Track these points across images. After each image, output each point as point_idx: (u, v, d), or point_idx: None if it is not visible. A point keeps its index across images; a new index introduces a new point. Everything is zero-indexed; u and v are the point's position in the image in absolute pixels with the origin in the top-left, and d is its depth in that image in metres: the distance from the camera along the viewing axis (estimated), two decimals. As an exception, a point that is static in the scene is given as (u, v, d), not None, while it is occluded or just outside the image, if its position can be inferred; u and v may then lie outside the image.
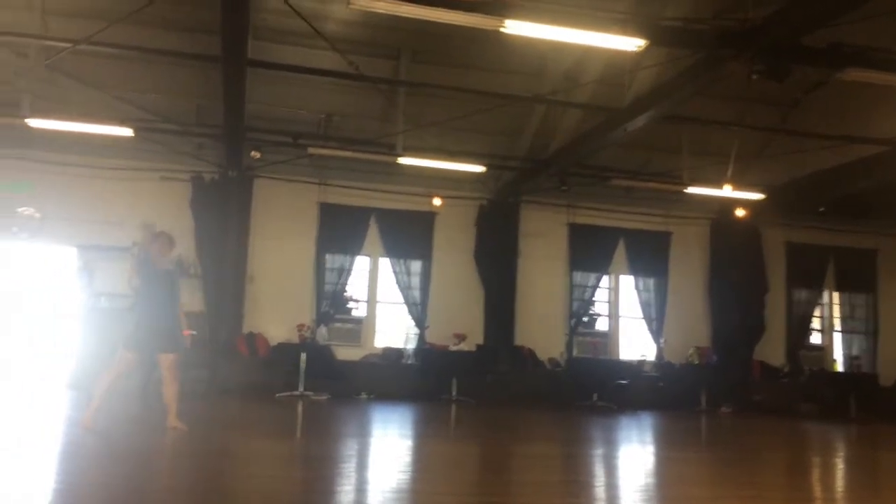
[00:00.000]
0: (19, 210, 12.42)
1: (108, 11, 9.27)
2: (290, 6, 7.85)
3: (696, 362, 13.98)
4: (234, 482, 5.20)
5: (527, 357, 13.76)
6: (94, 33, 8.75)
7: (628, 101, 10.05)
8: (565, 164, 12.44)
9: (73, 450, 6.18)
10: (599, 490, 5.61)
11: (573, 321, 14.63)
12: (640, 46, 7.15)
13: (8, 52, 10.36)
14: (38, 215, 12.47)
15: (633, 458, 7.71)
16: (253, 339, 12.73)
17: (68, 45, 9.15)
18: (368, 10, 6.30)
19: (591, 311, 15.25)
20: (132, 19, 8.71)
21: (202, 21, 9.85)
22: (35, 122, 10.45)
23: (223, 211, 12.82)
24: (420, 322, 13.93)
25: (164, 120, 11.92)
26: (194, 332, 7.46)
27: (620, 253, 14.93)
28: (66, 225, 12.39)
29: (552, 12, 6.66)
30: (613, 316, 15.26)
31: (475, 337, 13.72)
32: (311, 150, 11.92)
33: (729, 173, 11.83)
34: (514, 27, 6.47)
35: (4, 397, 10.01)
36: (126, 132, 10.93)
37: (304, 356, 11.94)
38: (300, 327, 12.71)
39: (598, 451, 8.06)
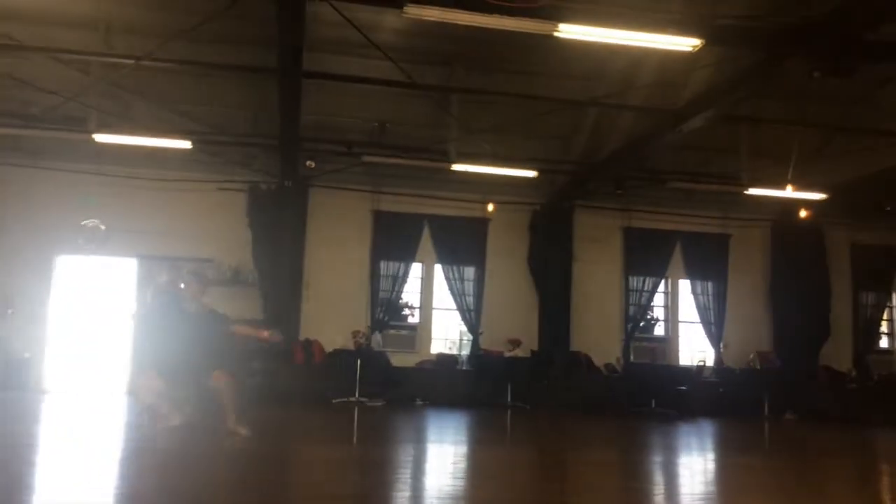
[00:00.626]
0: (84, 223, 12.82)
1: (168, 28, 9.54)
2: (345, 18, 7.95)
3: (758, 367, 13.62)
4: (291, 488, 5.25)
5: (583, 363, 13.60)
6: (155, 49, 9.01)
7: (684, 102, 9.88)
8: (620, 167, 12.30)
9: (135, 455, 6.32)
10: (659, 498, 5.49)
11: (630, 326, 14.43)
12: (695, 46, 7.03)
13: (74, 70, 10.72)
14: (102, 227, 12.85)
15: (694, 466, 7.54)
16: (309, 345, 12.88)
17: (130, 61, 9.42)
18: (422, 18, 6.32)
19: (648, 316, 15.02)
20: (190, 35, 8.94)
21: (258, 35, 10.03)
22: (101, 137, 10.79)
23: (279, 220, 13.03)
24: (474, 328, 13.92)
25: (221, 132, 12.19)
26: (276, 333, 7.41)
27: (677, 257, 14.69)
28: (128, 236, 12.72)
29: (606, 15, 6.60)
30: (671, 321, 15.01)
31: (530, 343, 13.64)
32: (365, 159, 12.03)
33: (790, 173, 11.52)
34: (568, 31, 6.41)
35: (69, 404, 10.32)
36: (185, 145, 11.21)
37: (359, 362, 12.05)
38: (355, 334, 12.80)
39: (658, 458, 7.91)
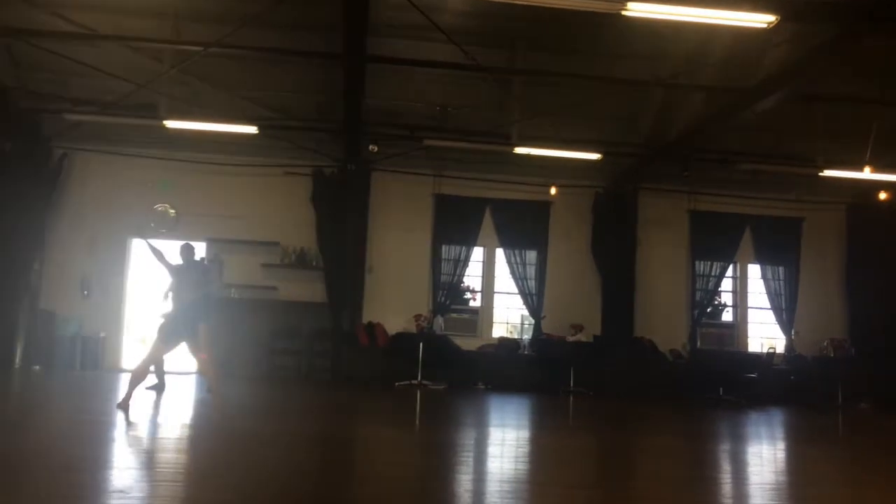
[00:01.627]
0: (156, 207, 13.22)
1: (234, 15, 9.69)
2: (411, 2, 7.91)
3: (832, 355, 13.18)
4: (357, 467, 5.34)
5: (647, 348, 13.40)
6: (223, 37, 9.16)
7: (757, 81, 9.55)
8: (688, 149, 11.98)
9: (205, 434, 6.50)
10: (727, 487, 5.38)
11: (696, 312, 14.14)
12: (770, 23, 6.76)
13: (146, 58, 11.00)
14: (172, 211, 13.24)
15: (764, 455, 7.36)
16: (372, 328, 13.03)
17: (199, 48, 9.61)
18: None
19: (715, 302, 14.66)
20: (257, 21, 9.06)
21: (323, 20, 10.10)
22: (171, 124, 11.07)
23: (342, 203, 13.16)
24: (536, 312, 13.84)
25: (287, 117, 12.35)
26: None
27: (747, 241, 14.30)
28: (197, 219, 13.08)
29: (676, -9, 6.40)
30: (740, 306, 14.62)
31: (592, 327, 13.50)
32: (426, 143, 12.03)
33: (867, 155, 11.04)
34: (636, 9, 6.25)
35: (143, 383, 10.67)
36: (251, 130, 11.40)
37: (421, 346, 12.14)
38: (417, 317, 12.91)
39: (726, 447, 7.75)
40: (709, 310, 14.51)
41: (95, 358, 12.71)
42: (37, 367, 12.19)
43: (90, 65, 10.59)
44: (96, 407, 8.10)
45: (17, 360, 12.25)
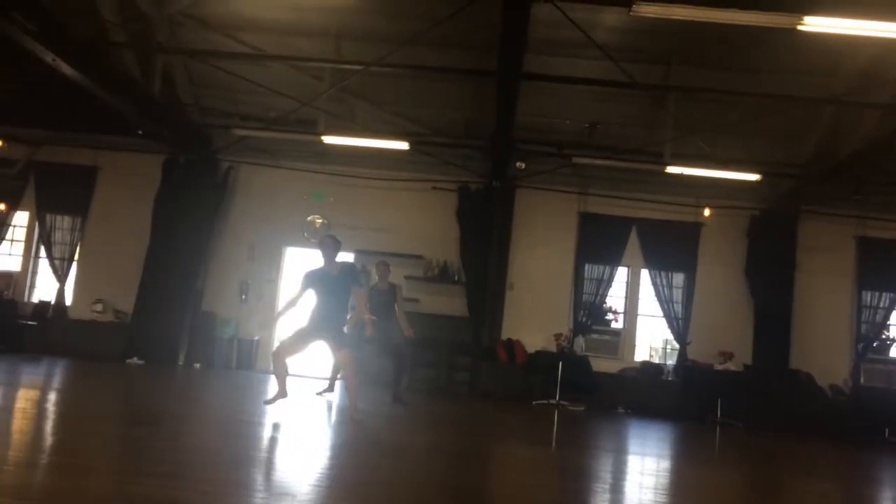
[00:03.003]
0: (309, 218, 13.85)
1: (392, 34, 10.02)
2: (569, 18, 7.88)
3: None
4: (491, 486, 5.30)
5: (804, 381, 12.54)
6: (383, 56, 9.46)
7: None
8: (860, 170, 11.13)
9: (340, 443, 6.65)
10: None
11: (861, 345, 13.09)
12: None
13: (308, 77, 11.58)
14: (325, 222, 13.81)
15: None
16: (511, 345, 12.99)
17: (360, 67, 9.99)
18: (652, 16, 6.09)
19: (883, 336, 13.51)
20: (414, 40, 9.30)
21: (478, 38, 10.23)
22: (329, 139, 11.58)
23: (486, 219, 13.24)
24: (681, 337, 13.31)
25: (436, 133, 12.60)
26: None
27: (923, 271, 13.10)
28: (347, 231, 13.54)
29: (855, 4, 5.98)
30: (912, 342, 13.41)
31: (743, 356, 12.80)
32: (575, 160, 11.90)
33: None
34: (814, 24, 5.88)
35: (294, 386, 11.16)
36: (402, 146, 11.72)
37: (560, 365, 11.96)
38: (557, 336, 12.74)
39: (890, 494, 7.09)
40: (875, 344, 13.38)
41: (250, 359, 13.46)
42: (197, 365, 13.05)
43: (257, 83, 11.27)
44: (250, 408, 8.53)
45: (181, 358, 13.17)
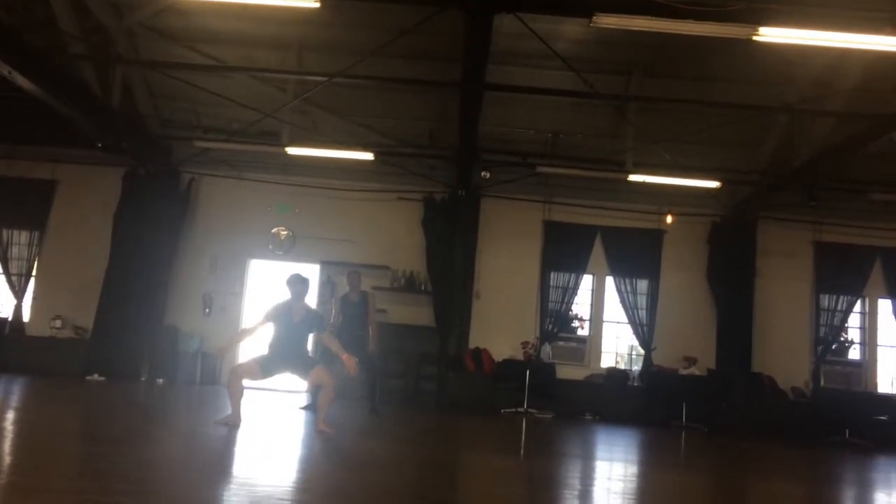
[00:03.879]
0: (274, 230, 13.75)
1: (355, 45, 10.03)
2: (531, 29, 7.97)
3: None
4: (458, 496, 5.30)
5: (766, 384, 12.78)
6: (346, 67, 9.47)
7: None
8: (815, 177, 11.42)
9: (308, 455, 6.60)
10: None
11: (820, 348, 13.38)
12: (910, 46, 6.39)
13: (271, 88, 11.53)
14: (290, 234, 13.72)
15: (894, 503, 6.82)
16: (479, 354, 13.02)
17: (323, 78, 9.98)
18: (611, 27, 6.20)
19: (841, 338, 13.83)
20: (378, 52, 9.33)
21: (441, 49, 10.29)
22: (293, 150, 11.52)
23: (451, 229, 13.27)
24: (646, 343, 13.47)
25: (401, 143, 12.62)
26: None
27: (877, 274, 13.45)
28: (312, 242, 13.52)
29: (808, 16, 6.15)
30: (868, 344, 13.74)
31: (706, 361, 13.01)
32: (539, 170, 12.01)
33: None
34: (769, 34, 6.03)
35: (253, 405, 11.05)
36: (367, 156, 11.71)
37: (528, 373, 12.02)
38: (524, 345, 12.81)
39: (852, 493, 7.24)
40: (834, 346, 13.69)
41: (214, 373, 13.27)
42: (160, 381, 12.83)
43: (219, 94, 11.19)
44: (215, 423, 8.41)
45: (144, 374, 12.94)
